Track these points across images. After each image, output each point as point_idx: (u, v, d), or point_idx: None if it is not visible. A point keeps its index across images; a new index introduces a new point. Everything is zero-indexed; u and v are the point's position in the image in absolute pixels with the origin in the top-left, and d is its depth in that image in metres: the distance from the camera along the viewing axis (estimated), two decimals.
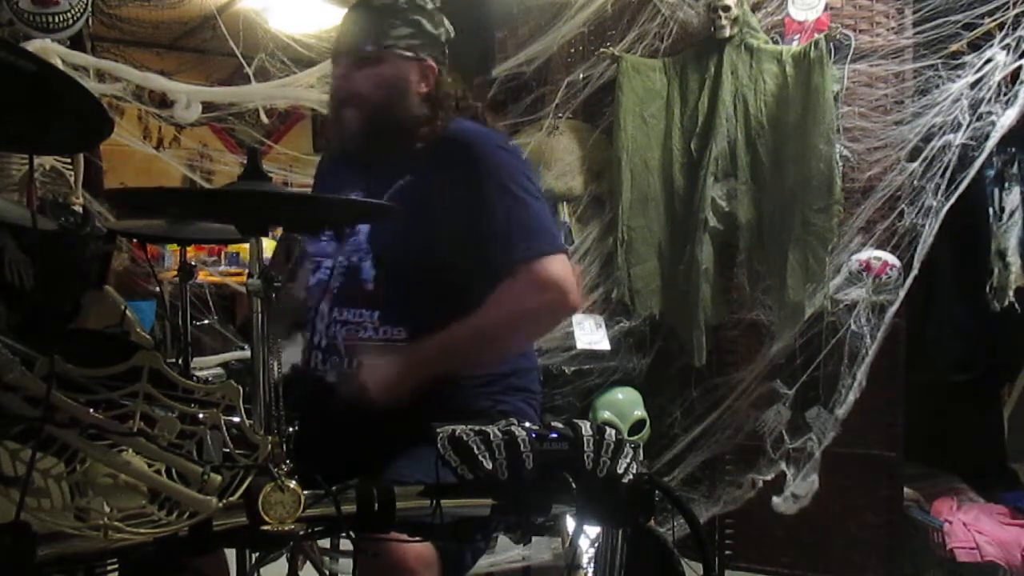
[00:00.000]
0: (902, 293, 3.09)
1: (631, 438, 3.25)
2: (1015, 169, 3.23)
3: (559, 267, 1.77)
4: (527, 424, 1.29)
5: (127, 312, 2.82)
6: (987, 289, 3.22)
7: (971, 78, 2.99)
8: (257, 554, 1.69)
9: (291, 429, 1.19)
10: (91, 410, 1.08)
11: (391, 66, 1.83)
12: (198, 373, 2.98)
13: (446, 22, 1.91)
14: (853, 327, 3.11)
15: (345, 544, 2.09)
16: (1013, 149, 3.21)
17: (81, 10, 3.20)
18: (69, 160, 3.10)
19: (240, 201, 1.23)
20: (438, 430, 1.25)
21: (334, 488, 1.15)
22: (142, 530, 1.05)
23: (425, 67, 1.86)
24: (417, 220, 1.76)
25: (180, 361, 2.65)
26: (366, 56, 1.83)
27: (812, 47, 3.18)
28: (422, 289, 1.77)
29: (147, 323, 3.34)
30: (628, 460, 1.27)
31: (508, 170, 1.81)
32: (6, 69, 1.02)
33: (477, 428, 1.25)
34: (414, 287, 1.77)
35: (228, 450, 1.14)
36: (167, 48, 5.11)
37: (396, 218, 1.77)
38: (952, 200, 3.01)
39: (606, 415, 3.32)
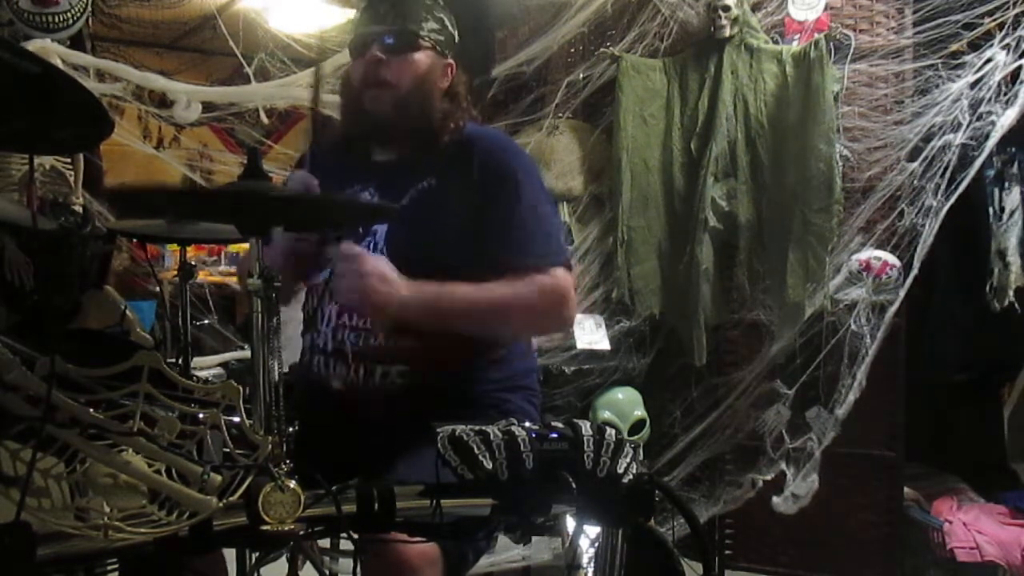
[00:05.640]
0: (902, 293, 3.09)
1: (631, 438, 3.25)
2: (1015, 169, 3.24)
3: (562, 280, 1.80)
4: (527, 424, 1.29)
5: (127, 312, 2.83)
6: (987, 289, 3.22)
7: (971, 78, 2.99)
8: (257, 554, 1.69)
9: (291, 429, 1.19)
10: (91, 410, 1.07)
11: (425, 57, 1.83)
12: (198, 373, 2.98)
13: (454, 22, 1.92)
14: (853, 327, 3.11)
15: (345, 544, 2.09)
16: (1013, 149, 3.21)
17: (81, 10, 3.20)
18: (69, 160, 3.09)
19: (240, 201, 1.23)
20: (438, 430, 1.25)
21: (334, 488, 1.15)
22: (142, 530, 1.05)
23: (446, 64, 1.88)
24: (440, 223, 1.76)
25: (180, 361, 2.65)
26: (403, 42, 1.81)
27: (812, 47, 3.18)
28: None
29: (147, 323, 3.34)
30: (628, 460, 1.27)
31: (529, 177, 1.83)
32: (7, 69, 1.02)
33: (477, 428, 1.25)
34: None
35: (228, 450, 1.14)
36: (167, 48, 5.11)
37: (418, 220, 1.77)
38: (952, 200, 3.01)
39: (606, 415, 3.32)
